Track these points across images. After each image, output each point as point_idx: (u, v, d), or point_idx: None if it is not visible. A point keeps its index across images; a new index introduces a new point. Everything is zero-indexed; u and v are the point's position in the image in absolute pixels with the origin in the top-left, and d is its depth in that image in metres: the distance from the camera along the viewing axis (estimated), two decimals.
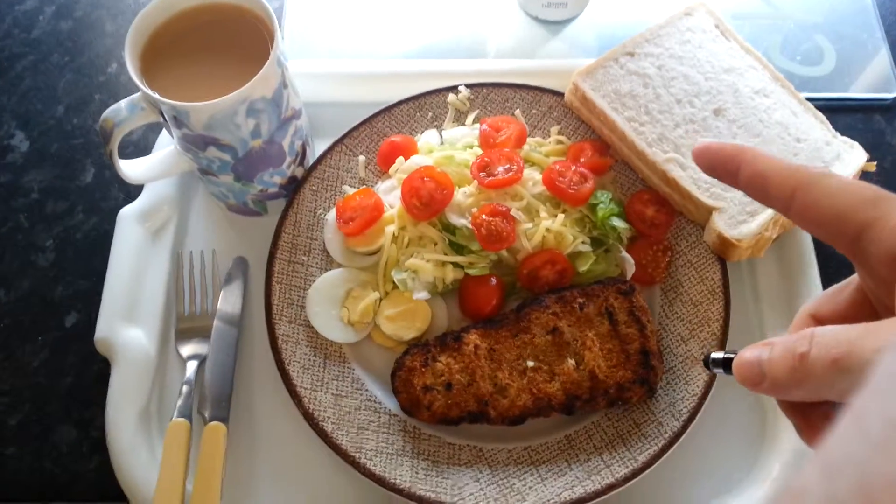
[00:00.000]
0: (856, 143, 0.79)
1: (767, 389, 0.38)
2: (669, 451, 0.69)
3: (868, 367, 0.31)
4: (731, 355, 0.43)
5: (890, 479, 0.20)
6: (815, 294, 0.76)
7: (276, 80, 0.69)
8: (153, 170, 0.76)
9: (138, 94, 0.69)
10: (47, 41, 0.99)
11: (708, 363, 0.46)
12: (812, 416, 0.41)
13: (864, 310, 0.42)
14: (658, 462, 0.69)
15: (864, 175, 0.80)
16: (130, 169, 0.74)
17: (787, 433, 0.71)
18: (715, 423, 0.73)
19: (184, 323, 0.78)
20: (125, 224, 0.81)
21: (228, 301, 0.78)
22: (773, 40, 0.94)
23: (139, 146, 0.90)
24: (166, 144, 0.85)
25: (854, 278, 0.42)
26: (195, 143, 0.70)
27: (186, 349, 0.77)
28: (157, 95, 0.65)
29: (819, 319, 0.43)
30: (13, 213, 0.87)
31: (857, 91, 0.91)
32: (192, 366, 0.75)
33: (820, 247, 0.79)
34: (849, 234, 0.37)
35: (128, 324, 0.76)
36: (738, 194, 0.75)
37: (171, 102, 0.65)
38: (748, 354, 0.39)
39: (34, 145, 0.91)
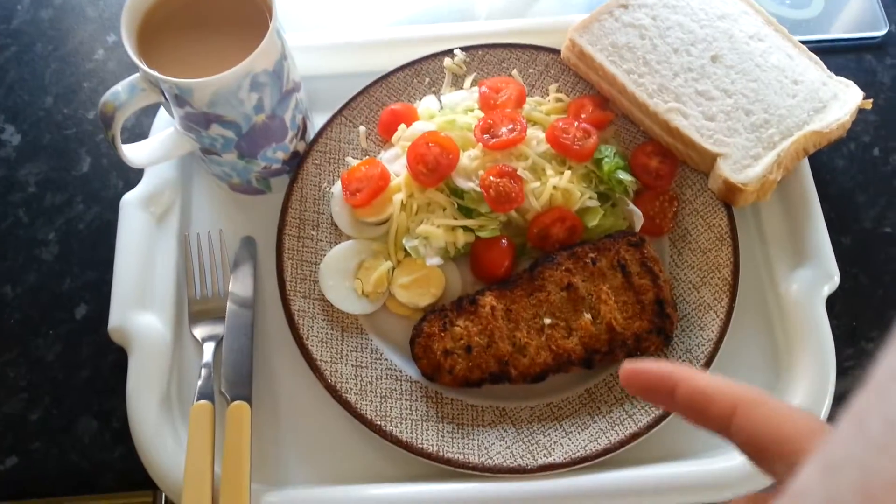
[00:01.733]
0: (851, 83, 0.80)
1: None
2: None
3: None
4: None
5: (890, 478, 0.20)
6: (820, 236, 0.76)
7: (277, 53, 0.69)
8: (156, 152, 0.75)
9: (136, 75, 0.68)
10: (28, 31, 0.96)
11: None
12: None
13: None
14: None
15: (861, 113, 0.81)
16: (133, 153, 0.73)
17: (799, 375, 0.72)
18: (730, 367, 0.74)
19: (196, 305, 0.78)
20: (129, 211, 0.80)
21: (240, 282, 0.78)
22: None
23: (133, 132, 0.89)
24: (163, 128, 0.84)
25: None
26: (198, 121, 0.70)
27: (202, 331, 0.76)
28: (158, 74, 0.64)
29: None
30: (12, 209, 0.86)
31: (847, 31, 0.92)
32: (209, 348, 0.75)
33: (821, 187, 0.80)
34: (788, 461, 0.34)
35: (141, 311, 0.76)
36: (740, 139, 0.76)
37: (173, 80, 0.64)
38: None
39: (26, 138, 0.90)
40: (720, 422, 0.37)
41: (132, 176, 0.85)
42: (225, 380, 0.73)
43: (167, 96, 0.67)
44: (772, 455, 0.35)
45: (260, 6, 0.70)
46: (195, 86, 0.64)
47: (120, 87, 0.68)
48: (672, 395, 0.38)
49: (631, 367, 0.40)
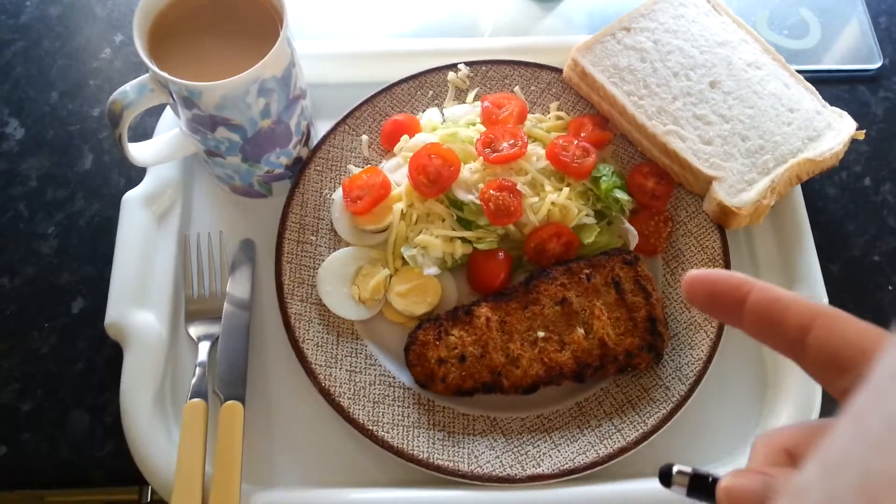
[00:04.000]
0: (845, 113, 0.82)
1: None
2: (678, 414, 0.72)
3: None
4: (704, 474, 0.36)
5: (890, 478, 0.20)
6: (810, 261, 0.78)
7: (287, 59, 0.70)
8: (161, 152, 0.76)
9: (146, 75, 0.69)
10: (36, 27, 0.97)
11: (668, 477, 0.37)
12: None
13: None
14: (667, 425, 0.71)
15: (853, 143, 0.83)
16: (138, 152, 0.74)
17: (785, 394, 0.74)
18: (718, 386, 0.75)
19: (193, 304, 0.78)
20: (130, 208, 0.81)
21: (237, 283, 0.79)
22: (760, 14, 0.96)
23: (137, 131, 0.90)
24: (168, 128, 0.85)
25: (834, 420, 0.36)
26: (205, 123, 0.70)
27: (197, 330, 0.77)
28: (168, 76, 0.65)
29: (798, 457, 0.35)
30: (12, 202, 0.86)
31: (842, 63, 0.94)
32: (204, 346, 0.76)
33: (813, 214, 0.81)
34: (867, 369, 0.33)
35: (138, 307, 0.76)
36: (736, 164, 0.78)
37: (183, 82, 0.65)
38: (747, 483, 0.33)
39: (29, 132, 0.90)
40: (796, 333, 0.34)
41: (134, 174, 0.86)
42: (219, 379, 0.73)
43: (175, 98, 0.68)
44: (851, 367, 0.33)
45: (271, 13, 0.72)
46: (204, 89, 0.65)
47: (129, 87, 0.69)
48: (741, 306, 0.36)
49: (697, 272, 0.37)
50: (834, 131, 0.80)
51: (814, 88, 0.83)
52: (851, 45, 0.95)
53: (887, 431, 0.21)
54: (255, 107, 0.70)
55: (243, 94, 0.67)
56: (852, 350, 0.33)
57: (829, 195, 0.87)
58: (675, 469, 0.36)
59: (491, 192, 0.76)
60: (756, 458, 0.35)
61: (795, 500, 0.23)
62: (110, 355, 0.78)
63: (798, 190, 0.81)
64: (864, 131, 0.81)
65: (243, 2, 0.72)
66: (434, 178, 0.77)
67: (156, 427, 0.72)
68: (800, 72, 0.85)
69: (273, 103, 0.71)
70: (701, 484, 0.36)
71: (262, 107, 0.70)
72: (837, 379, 0.33)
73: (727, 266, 0.77)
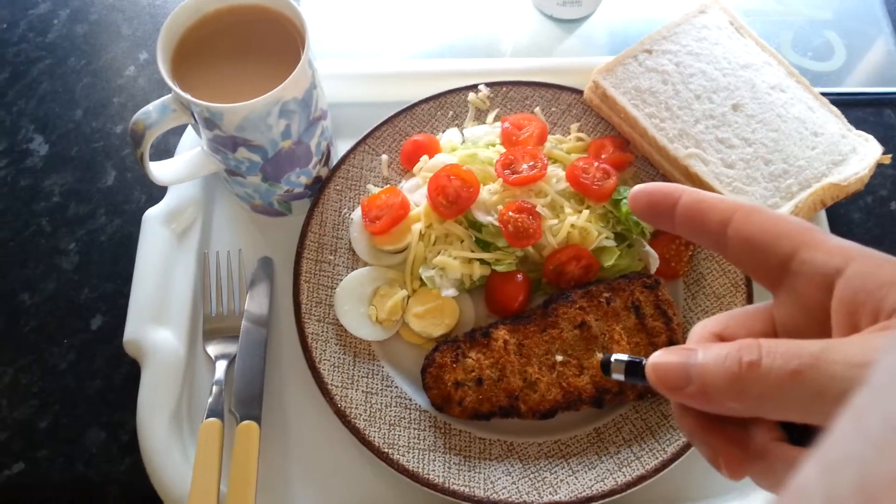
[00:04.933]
0: (871, 137, 0.81)
1: (693, 396, 0.35)
2: None
3: (832, 385, 0.30)
4: (637, 359, 0.40)
5: (890, 478, 0.20)
6: None
7: (308, 81, 0.70)
8: (181, 171, 0.76)
9: (169, 96, 0.69)
10: (63, 45, 0.99)
11: (608, 367, 0.42)
12: (733, 433, 0.38)
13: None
14: (687, 453, 0.70)
15: (880, 168, 0.81)
16: (160, 171, 0.74)
17: None
18: None
19: (211, 323, 0.78)
20: (151, 226, 0.81)
21: (255, 301, 0.79)
22: (784, 37, 0.96)
23: (159, 149, 0.90)
24: (189, 146, 0.85)
25: (768, 305, 0.40)
26: (226, 144, 0.71)
27: (215, 349, 0.77)
28: (190, 97, 0.66)
29: (727, 339, 0.40)
30: (35, 218, 0.87)
31: (868, 85, 0.93)
32: (221, 365, 0.76)
33: None
34: (782, 254, 0.37)
35: (156, 325, 0.77)
36: (759, 188, 0.77)
37: (205, 104, 0.65)
38: (669, 357, 0.37)
39: (53, 149, 0.91)
40: (718, 227, 0.39)
41: (155, 191, 0.87)
42: (235, 399, 0.73)
43: (197, 118, 0.69)
44: (767, 254, 0.37)
45: (293, 35, 0.72)
46: (226, 111, 0.66)
47: (152, 107, 0.69)
48: (673, 211, 0.41)
49: (639, 186, 0.42)
50: (859, 156, 0.79)
51: (839, 112, 0.82)
52: (877, 68, 0.94)
53: (887, 431, 0.21)
54: (276, 128, 0.70)
55: (265, 115, 0.68)
56: (766, 234, 0.37)
57: (854, 220, 0.86)
58: (612, 358, 0.42)
59: (510, 213, 0.76)
60: (689, 342, 0.40)
61: (795, 499, 0.23)
62: (128, 372, 0.78)
63: (822, 215, 0.80)
64: (890, 156, 0.80)
65: (266, 23, 0.73)
66: (453, 199, 0.77)
67: (172, 445, 0.72)
68: (824, 94, 0.84)
69: (294, 124, 0.71)
70: (635, 368, 0.40)
71: (282, 128, 0.70)
72: (755, 261, 0.38)
73: (750, 291, 0.76)
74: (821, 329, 0.36)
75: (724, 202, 0.40)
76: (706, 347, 0.36)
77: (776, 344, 0.33)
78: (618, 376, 0.41)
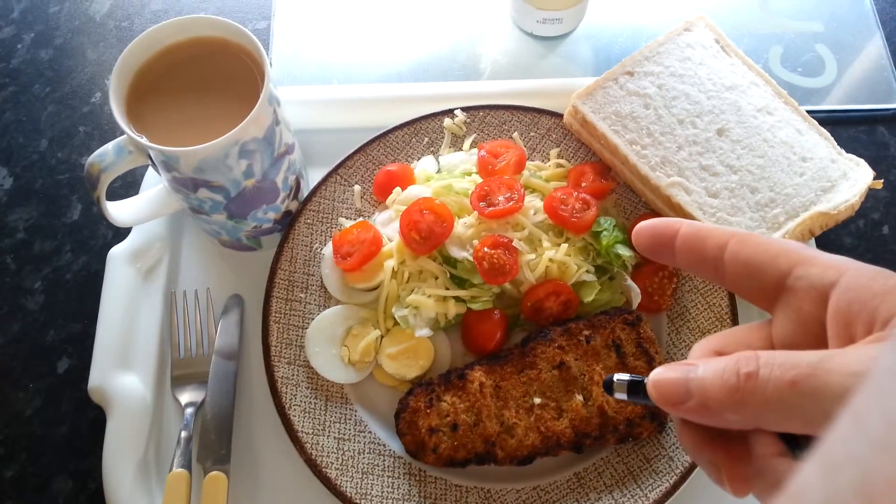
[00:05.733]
0: (861, 161, 0.77)
1: (694, 410, 0.36)
2: (682, 487, 0.68)
3: (831, 394, 0.31)
4: (638, 378, 0.41)
5: (891, 478, 0.20)
6: None
7: (269, 119, 0.67)
8: (143, 211, 0.74)
9: (124, 136, 0.66)
10: (27, 71, 0.96)
11: (610, 386, 0.43)
12: (735, 449, 0.38)
13: None
14: (671, 499, 0.68)
15: (871, 193, 0.78)
16: (119, 212, 0.71)
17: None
18: None
19: (179, 369, 0.76)
20: (115, 265, 0.79)
21: (225, 344, 0.76)
22: (773, 51, 0.92)
23: (126, 179, 0.87)
24: (154, 180, 0.82)
25: (766, 322, 0.41)
26: (185, 185, 0.68)
27: (184, 396, 0.74)
28: (145, 141, 0.63)
29: (725, 355, 0.40)
30: (0, 255, 0.84)
31: (860, 102, 0.89)
32: (189, 412, 0.73)
33: None
34: (778, 273, 0.38)
35: (122, 370, 0.74)
36: (744, 219, 0.74)
37: (159, 147, 0.62)
38: (670, 373, 0.38)
39: (18, 181, 0.89)
40: (716, 253, 0.41)
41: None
42: (203, 448, 0.71)
43: (154, 161, 0.66)
44: (764, 274, 0.39)
45: (252, 68, 0.69)
46: (181, 154, 0.63)
47: (109, 147, 0.66)
48: (674, 242, 0.43)
49: (642, 223, 0.45)
50: (850, 181, 0.76)
51: (829, 134, 0.79)
52: (870, 83, 0.90)
53: (887, 431, 0.21)
54: (237, 168, 0.67)
55: (223, 157, 0.65)
56: (761, 255, 0.39)
57: (845, 244, 0.82)
58: (615, 378, 0.43)
59: (485, 249, 0.73)
60: (690, 359, 0.40)
61: (795, 499, 0.23)
62: (95, 417, 0.76)
63: (811, 242, 0.77)
64: (881, 181, 0.77)
65: (225, 56, 0.70)
66: (426, 234, 0.74)
67: (138, 496, 0.69)
68: (815, 112, 0.80)
69: (256, 163, 0.68)
70: (636, 387, 0.41)
71: (244, 168, 0.67)
72: (753, 282, 0.39)
73: (735, 324, 0.73)
74: (818, 343, 0.37)
75: (721, 230, 0.41)
76: (705, 362, 0.37)
77: (773, 355, 0.34)
78: (620, 396, 0.42)
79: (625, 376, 0.42)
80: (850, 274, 0.36)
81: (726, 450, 0.38)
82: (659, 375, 0.38)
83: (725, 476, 0.38)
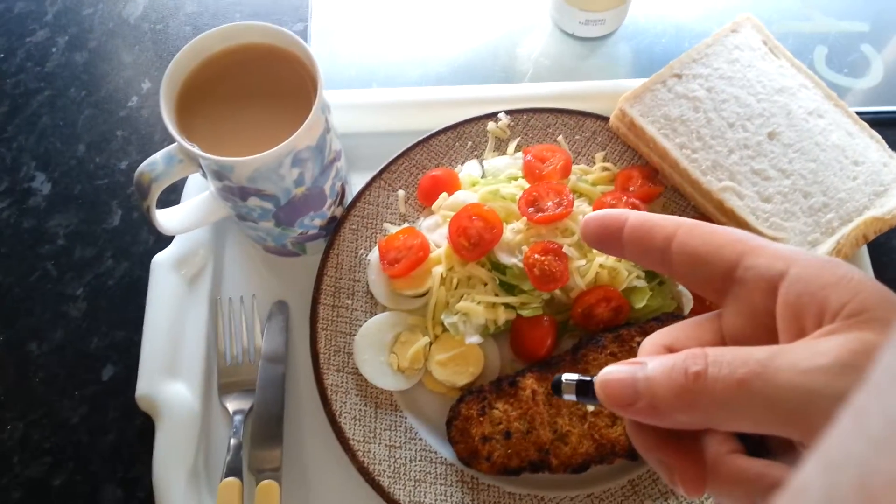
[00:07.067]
0: None
1: (643, 411, 0.35)
2: None
3: (780, 393, 0.30)
4: (587, 379, 0.39)
5: (891, 477, 0.20)
6: None
7: (321, 127, 0.66)
8: (190, 219, 0.73)
9: (174, 145, 0.66)
10: (63, 75, 0.95)
11: (559, 387, 0.40)
12: (687, 449, 0.36)
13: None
14: None
15: None
16: (167, 220, 0.71)
17: None
18: None
19: (226, 377, 0.75)
20: (160, 272, 0.78)
21: (272, 351, 0.76)
22: (818, 52, 0.91)
23: (166, 188, 0.86)
24: (196, 187, 0.82)
25: (716, 314, 0.39)
26: (236, 193, 0.67)
27: (232, 404, 0.74)
28: (198, 150, 0.62)
29: (675, 350, 0.39)
30: (40, 261, 0.84)
31: None
32: (238, 420, 0.73)
33: (878, 271, 0.76)
34: (725, 264, 0.37)
35: (169, 378, 0.74)
36: (798, 224, 0.73)
37: (214, 158, 0.62)
38: (617, 373, 0.36)
39: (56, 187, 0.88)
40: (662, 243, 0.39)
41: None
42: (254, 457, 0.71)
43: (205, 170, 0.65)
44: (711, 265, 0.37)
45: (303, 75, 0.68)
46: (236, 164, 0.62)
47: (158, 157, 0.66)
48: (621, 234, 0.41)
49: (590, 214, 0.43)
50: None
51: (880, 137, 0.78)
52: None
53: (888, 430, 0.21)
54: (289, 177, 0.66)
55: (276, 167, 0.64)
56: (708, 245, 0.38)
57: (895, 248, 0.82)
58: (563, 378, 0.40)
59: (535, 256, 0.72)
60: (639, 356, 0.38)
61: (795, 499, 0.23)
62: (142, 424, 0.75)
63: (864, 247, 0.76)
64: None
65: (274, 63, 0.69)
66: (475, 241, 0.73)
67: None
68: (862, 114, 0.79)
69: (307, 172, 0.68)
70: (585, 387, 0.39)
71: (295, 176, 0.67)
72: (700, 274, 0.38)
73: None
74: (768, 335, 0.36)
75: (668, 220, 0.40)
76: (653, 360, 0.35)
77: (722, 353, 0.33)
78: (569, 397, 0.40)
79: (573, 376, 0.40)
80: (800, 264, 0.35)
81: (679, 450, 0.37)
82: (606, 375, 0.37)
83: (678, 477, 0.36)
